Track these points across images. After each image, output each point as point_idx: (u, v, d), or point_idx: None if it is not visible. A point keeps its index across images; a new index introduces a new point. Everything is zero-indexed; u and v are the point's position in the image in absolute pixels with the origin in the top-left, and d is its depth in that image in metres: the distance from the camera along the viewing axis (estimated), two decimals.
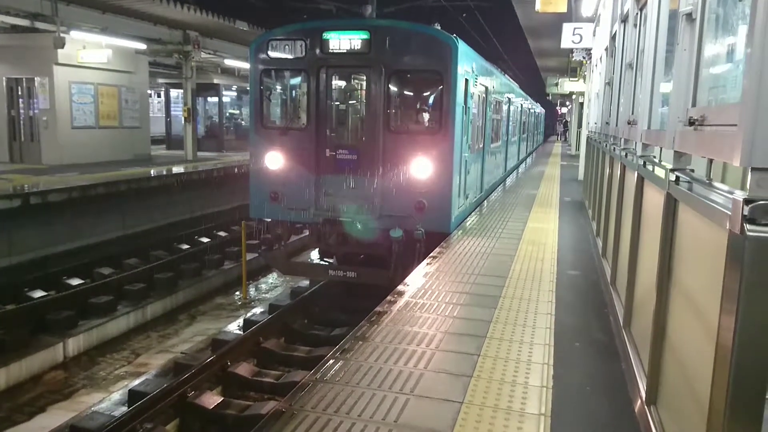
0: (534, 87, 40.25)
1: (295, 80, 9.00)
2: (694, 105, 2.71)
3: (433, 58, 8.11)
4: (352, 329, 4.76)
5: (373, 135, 8.21)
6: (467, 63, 8.82)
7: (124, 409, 6.12)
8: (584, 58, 16.00)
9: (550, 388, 3.60)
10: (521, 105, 20.77)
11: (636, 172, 4.16)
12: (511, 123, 17.01)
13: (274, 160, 8.60)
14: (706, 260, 2.28)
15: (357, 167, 8.29)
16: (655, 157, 3.95)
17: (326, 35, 8.21)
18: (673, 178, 2.81)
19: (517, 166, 20.68)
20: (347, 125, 8.99)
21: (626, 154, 5.06)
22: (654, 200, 3.46)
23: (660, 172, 3.24)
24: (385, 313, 4.89)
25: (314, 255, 9.72)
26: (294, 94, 9.20)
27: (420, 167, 8.07)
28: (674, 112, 2.99)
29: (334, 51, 8.21)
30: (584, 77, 19.26)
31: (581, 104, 23.17)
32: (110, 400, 6.53)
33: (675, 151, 2.93)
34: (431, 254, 7.06)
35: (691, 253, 2.63)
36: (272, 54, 8.56)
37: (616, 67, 6.81)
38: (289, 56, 8.49)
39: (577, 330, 4.77)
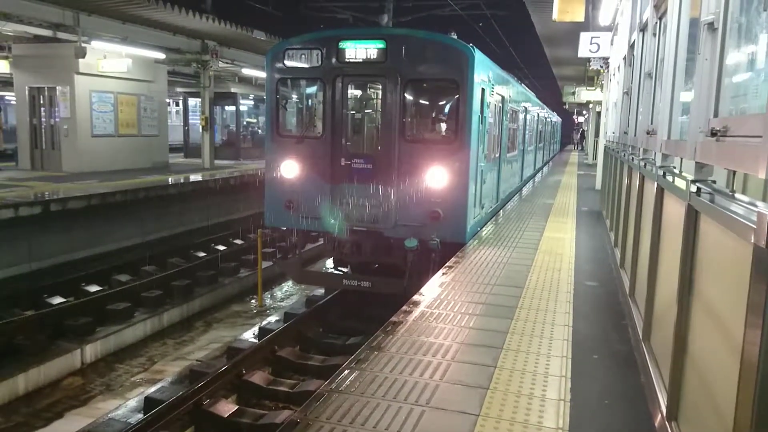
0: (551, 96, 40.12)
1: (311, 89, 8.98)
2: (716, 115, 2.67)
3: (449, 67, 8.05)
4: (367, 338, 4.75)
5: (388, 144, 8.16)
6: (484, 72, 8.74)
7: (140, 416, 6.14)
8: (601, 67, 15.92)
9: (567, 402, 3.55)
10: (537, 114, 20.66)
11: (655, 183, 4.10)
12: (527, 132, 16.87)
13: (290, 169, 8.58)
14: (730, 273, 2.24)
15: (372, 176, 8.25)
16: (675, 167, 3.90)
17: (342, 44, 8.20)
18: (694, 189, 2.77)
19: (533, 175, 20.51)
20: (363, 134, 8.97)
21: (645, 165, 5.00)
22: (674, 211, 3.41)
23: (681, 183, 3.20)
24: (401, 323, 4.87)
25: (329, 264, 9.73)
26: (310, 103, 9.18)
27: (435, 177, 8.01)
28: (695, 122, 2.95)
29: (350, 60, 8.19)
30: (601, 86, 19.17)
31: (598, 113, 23.06)
32: (126, 407, 6.57)
33: (696, 162, 2.89)
34: (447, 264, 7.03)
35: (713, 265, 2.58)
36: (288, 63, 8.56)
37: (635, 77, 6.76)
38: (305, 65, 8.47)
39: (595, 342, 4.71)
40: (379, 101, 8.49)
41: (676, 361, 2.97)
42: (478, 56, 8.25)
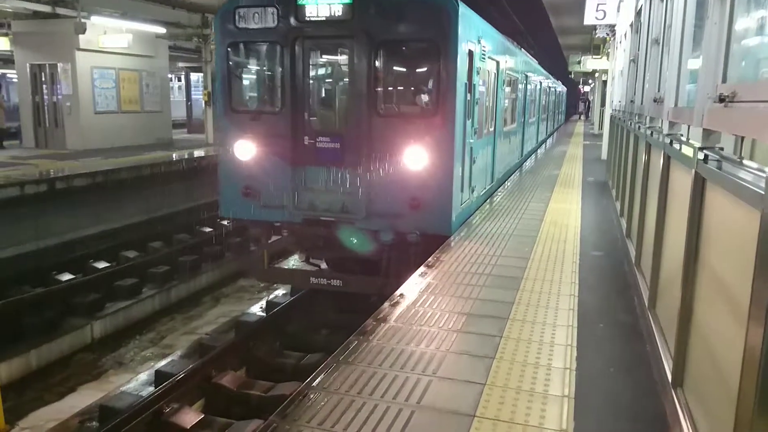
0: (556, 65, 39.64)
1: (267, 55, 7.73)
2: (724, 81, 2.63)
3: (427, 25, 6.78)
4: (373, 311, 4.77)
5: (358, 119, 7.00)
6: (472, 32, 7.53)
7: (151, 389, 6.24)
8: (608, 34, 15.67)
9: (573, 370, 3.58)
10: (540, 83, 19.70)
11: (662, 151, 4.07)
12: (528, 103, 15.79)
13: (246, 150, 7.44)
14: (736, 241, 2.22)
15: (340, 157, 7.12)
16: (682, 135, 3.86)
17: (301, 0, 7.03)
18: (701, 156, 2.74)
19: (535, 149, 19.56)
20: (330, 108, 7.74)
21: (652, 133, 4.96)
22: (681, 180, 3.39)
23: (687, 151, 3.17)
24: (407, 295, 4.89)
25: (299, 258, 8.67)
26: (266, 72, 7.92)
27: (414, 157, 6.87)
28: (703, 88, 2.91)
29: (311, 19, 6.98)
30: (608, 54, 18.90)
31: (604, 82, 22.80)
32: (138, 381, 6.66)
33: (704, 129, 2.86)
34: (455, 234, 7.01)
35: (720, 233, 2.57)
36: (240, 24, 7.29)
37: (642, 44, 6.66)
38: (259, 26, 7.23)
39: (600, 311, 4.73)
40: (347, 68, 7.26)
41: (681, 329, 2.98)
42: (464, 12, 7.01)
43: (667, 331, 3.56)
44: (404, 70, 7.71)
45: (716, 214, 2.62)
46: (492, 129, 9.93)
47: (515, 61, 12.42)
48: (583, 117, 48.90)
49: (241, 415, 5.65)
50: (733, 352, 2.08)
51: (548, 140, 25.41)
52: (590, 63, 23.91)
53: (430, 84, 7.16)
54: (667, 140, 3.89)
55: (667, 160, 3.92)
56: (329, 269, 8.08)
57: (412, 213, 6.93)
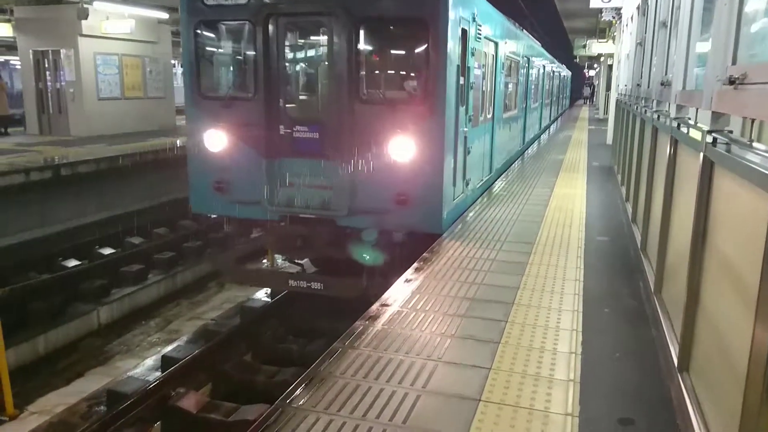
0: (561, 49, 39.34)
1: (238, 35, 7.09)
2: (734, 63, 2.59)
3: (414, 1, 6.16)
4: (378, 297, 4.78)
5: (339, 106, 6.39)
6: (466, 9, 6.89)
7: (158, 374, 6.29)
8: (614, 18, 15.54)
9: (579, 355, 3.58)
10: (544, 67, 19.08)
11: (669, 135, 4.04)
12: (531, 87, 15.15)
13: (216, 140, 6.84)
14: (745, 225, 2.21)
15: (319, 148, 6.52)
16: (689, 119, 3.83)
17: None
18: (710, 140, 2.71)
19: (538, 136, 18.95)
20: (308, 93, 7.22)
21: (659, 117, 4.92)
22: (688, 163, 3.36)
23: (695, 134, 3.14)
24: (412, 281, 4.89)
25: (278, 258, 8.23)
26: (237, 54, 7.30)
27: (400, 148, 6.27)
28: (712, 70, 2.87)
29: None
30: (613, 38, 18.75)
31: (610, 66, 22.63)
32: (144, 366, 6.72)
33: (712, 112, 2.83)
34: (456, 221, 7.00)
35: (728, 217, 2.55)
36: (208, 1, 6.71)
37: (649, 26, 6.59)
38: (229, 3, 6.65)
39: (606, 296, 4.72)
40: (326, 49, 6.59)
41: (688, 314, 2.97)
42: None
43: (673, 315, 3.56)
44: (389, 51, 7.12)
45: (724, 197, 2.60)
46: (490, 116, 9.36)
47: (517, 43, 11.83)
48: (588, 102, 48.65)
49: (247, 400, 5.69)
50: (740, 336, 2.07)
51: (552, 126, 25.22)
52: (596, 47, 23.73)
53: (419, 66, 6.54)
54: (675, 124, 3.86)
55: (675, 144, 3.89)
56: (308, 271, 7.64)
57: (399, 209, 6.36)
